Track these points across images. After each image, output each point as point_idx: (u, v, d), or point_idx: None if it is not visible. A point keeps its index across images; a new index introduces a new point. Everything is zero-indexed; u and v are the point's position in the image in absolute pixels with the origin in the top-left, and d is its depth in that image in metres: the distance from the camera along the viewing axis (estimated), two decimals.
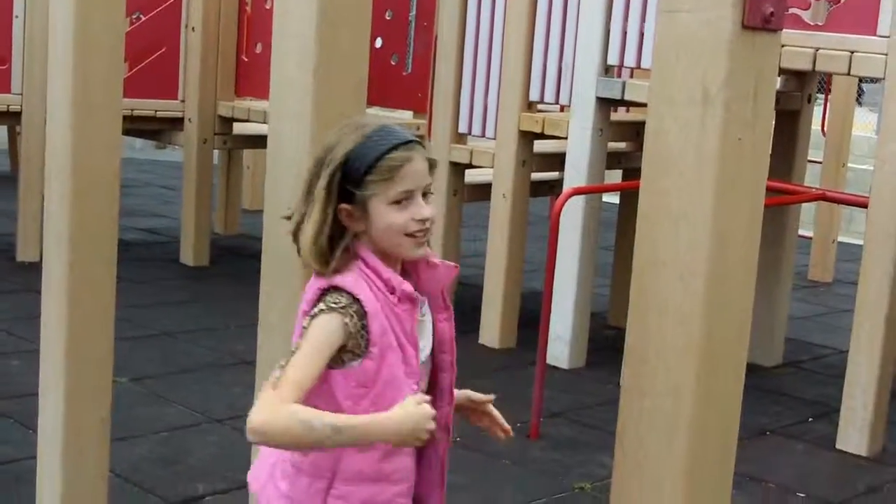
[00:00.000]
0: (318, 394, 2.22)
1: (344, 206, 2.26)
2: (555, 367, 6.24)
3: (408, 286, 2.29)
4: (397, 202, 2.25)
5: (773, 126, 2.13)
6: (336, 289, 2.24)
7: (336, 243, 2.26)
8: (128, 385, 5.49)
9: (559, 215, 5.40)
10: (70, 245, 3.52)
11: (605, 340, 7.02)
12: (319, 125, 2.78)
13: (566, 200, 5.52)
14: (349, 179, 2.25)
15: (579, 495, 4.67)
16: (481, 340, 6.80)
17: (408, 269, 2.36)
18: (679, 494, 2.09)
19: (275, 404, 2.11)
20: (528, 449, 5.14)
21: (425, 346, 2.39)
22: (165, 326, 6.68)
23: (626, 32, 6.18)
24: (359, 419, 2.17)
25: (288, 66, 2.81)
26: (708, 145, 2.03)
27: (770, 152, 2.18)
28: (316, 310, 2.23)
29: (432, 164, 2.31)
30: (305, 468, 2.31)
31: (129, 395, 5.36)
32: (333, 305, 2.21)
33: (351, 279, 2.25)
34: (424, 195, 2.28)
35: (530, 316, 6.95)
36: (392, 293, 2.27)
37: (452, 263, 2.42)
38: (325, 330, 2.20)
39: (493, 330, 6.79)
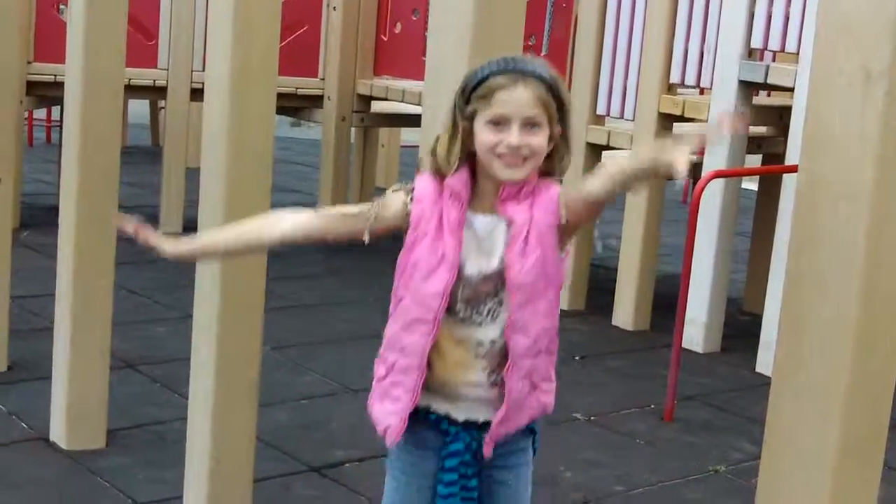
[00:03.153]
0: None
1: (463, 123, 2.50)
2: (689, 351, 6.22)
3: (454, 181, 2.50)
4: (493, 123, 2.45)
5: None
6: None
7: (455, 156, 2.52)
8: (268, 353, 5.62)
9: (700, 198, 5.39)
10: (225, 215, 3.63)
11: (740, 326, 6.97)
12: None
13: (707, 183, 5.50)
14: (465, 98, 2.50)
15: (714, 477, 4.67)
16: (615, 322, 6.82)
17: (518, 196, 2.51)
18: (828, 472, 2.10)
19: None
20: (662, 430, 5.15)
21: (487, 262, 2.53)
22: (303, 298, 6.82)
23: (770, 15, 6.12)
24: None
25: (445, 44, 2.86)
26: (869, 126, 2.03)
27: None
28: None
29: (546, 102, 2.45)
30: None
31: (269, 362, 5.47)
32: (402, 186, 2.58)
33: (425, 176, 2.56)
34: (528, 125, 2.45)
35: (664, 299, 6.93)
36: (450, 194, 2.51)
37: (556, 190, 2.53)
38: (388, 195, 2.59)
39: (627, 312, 6.80)
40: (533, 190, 2.52)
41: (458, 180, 2.51)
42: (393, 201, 2.57)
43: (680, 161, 2.32)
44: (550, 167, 2.54)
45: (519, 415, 2.60)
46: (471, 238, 2.53)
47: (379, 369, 2.65)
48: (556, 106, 2.49)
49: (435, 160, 2.54)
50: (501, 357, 2.56)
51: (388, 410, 2.61)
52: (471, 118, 2.49)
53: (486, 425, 2.60)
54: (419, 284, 2.52)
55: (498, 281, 2.53)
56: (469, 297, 2.53)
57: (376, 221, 2.57)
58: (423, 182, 2.55)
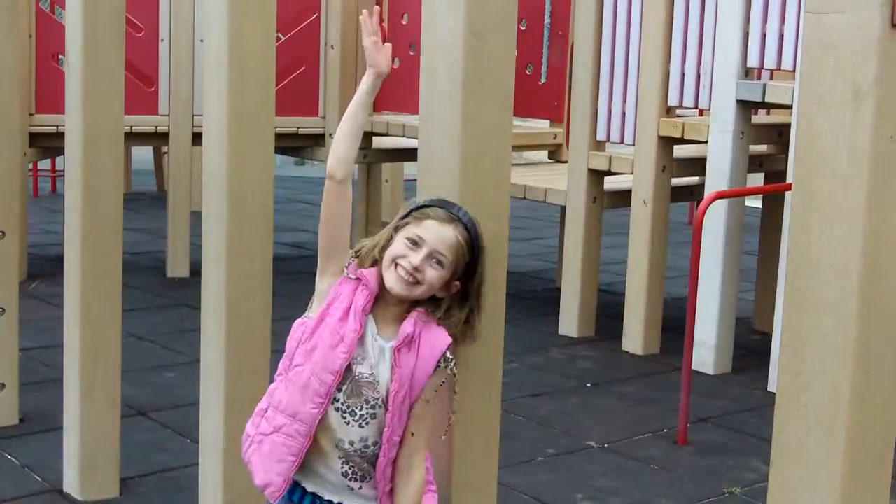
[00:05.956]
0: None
1: (392, 233, 2.76)
2: (700, 373, 6.22)
3: (369, 273, 2.73)
4: (410, 241, 2.69)
5: None
6: None
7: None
8: None
9: (703, 219, 5.39)
10: (227, 259, 3.64)
11: (751, 346, 6.96)
12: (469, 138, 2.85)
13: (710, 204, 5.50)
14: (404, 214, 2.77)
15: (729, 499, 4.65)
16: (624, 347, 6.80)
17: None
18: (836, 492, 2.10)
19: None
20: (676, 454, 5.14)
21: (378, 374, 2.72)
22: None
23: (765, 34, 6.14)
24: None
25: (437, 80, 2.87)
26: (860, 144, 2.04)
27: None
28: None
29: (459, 254, 2.70)
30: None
31: None
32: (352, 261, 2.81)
33: (354, 265, 2.79)
34: (435, 260, 2.68)
35: (673, 322, 6.93)
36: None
37: (445, 343, 2.73)
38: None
39: (636, 336, 6.79)
40: (421, 340, 2.71)
41: (371, 275, 2.73)
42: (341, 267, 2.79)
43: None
44: (437, 314, 2.74)
45: None
46: (369, 345, 2.73)
47: (262, 424, 2.81)
48: (468, 265, 2.72)
49: (360, 256, 2.78)
50: (358, 459, 2.75)
51: (271, 469, 2.76)
52: (397, 230, 2.73)
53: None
54: (318, 359, 2.71)
55: (383, 403, 2.72)
56: (351, 392, 2.72)
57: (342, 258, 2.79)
58: (352, 271, 2.76)
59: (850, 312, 2.03)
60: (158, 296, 7.81)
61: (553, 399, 5.84)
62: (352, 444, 2.73)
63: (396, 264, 2.68)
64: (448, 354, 2.74)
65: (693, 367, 5.56)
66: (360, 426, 2.72)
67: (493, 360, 3.03)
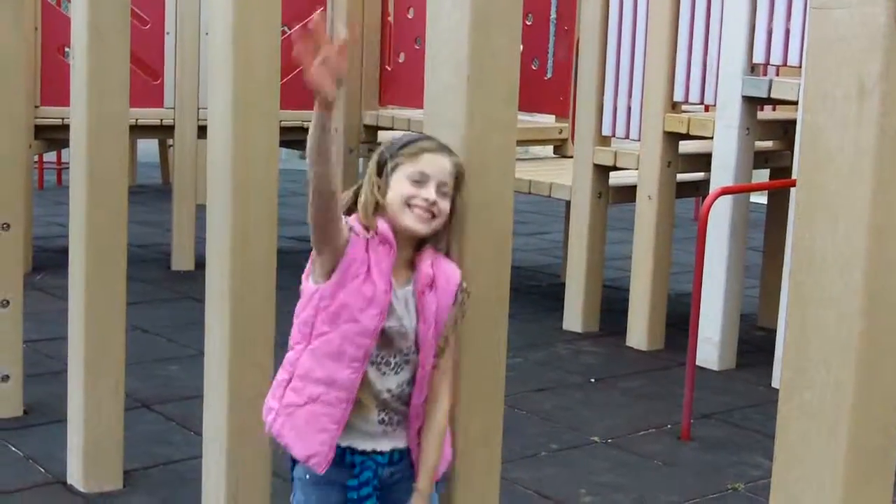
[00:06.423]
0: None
1: (377, 179, 2.73)
2: (704, 369, 6.21)
3: (384, 228, 2.68)
4: (413, 179, 2.70)
5: None
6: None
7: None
8: None
9: (708, 215, 5.39)
10: (232, 252, 3.65)
11: (755, 342, 6.95)
12: (473, 132, 2.85)
13: (715, 200, 5.50)
14: (387, 156, 2.75)
15: (733, 495, 4.65)
16: (629, 343, 6.80)
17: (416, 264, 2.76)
18: (839, 488, 2.10)
19: None
20: (680, 450, 5.14)
21: (407, 323, 2.74)
22: None
23: (771, 30, 6.13)
24: None
25: (442, 75, 2.87)
26: (865, 139, 2.03)
27: None
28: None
29: (459, 175, 2.76)
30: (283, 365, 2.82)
31: None
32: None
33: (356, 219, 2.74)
34: (441, 191, 2.71)
35: (677, 318, 6.93)
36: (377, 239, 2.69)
37: (458, 273, 2.80)
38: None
39: (640, 332, 6.78)
40: (435, 275, 2.74)
41: (386, 229, 2.70)
42: (345, 229, 2.70)
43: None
44: (440, 246, 2.79)
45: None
46: (391, 298, 2.72)
47: (290, 396, 2.76)
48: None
49: (365, 214, 2.72)
50: (395, 403, 2.78)
51: (313, 439, 2.72)
52: (386, 176, 2.72)
53: (388, 454, 2.80)
54: (349, 323, 2.68)
55: (414, 345, 2.75)
56: (383, 345, 2.73)
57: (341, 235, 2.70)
58: (357, 226, 2.70)
59: (853, 309, 2.03)
60: (163, 289, 7.82)
61: (557, 394, 5.84)
62: (390, 391, 2.76)
63: (411, 206, 2.70)
64: (464, 284, 2.79)
65: (697, 363, 5.55)
66: (396, 373, 2.76)
67: (497, 354, 3.03)
